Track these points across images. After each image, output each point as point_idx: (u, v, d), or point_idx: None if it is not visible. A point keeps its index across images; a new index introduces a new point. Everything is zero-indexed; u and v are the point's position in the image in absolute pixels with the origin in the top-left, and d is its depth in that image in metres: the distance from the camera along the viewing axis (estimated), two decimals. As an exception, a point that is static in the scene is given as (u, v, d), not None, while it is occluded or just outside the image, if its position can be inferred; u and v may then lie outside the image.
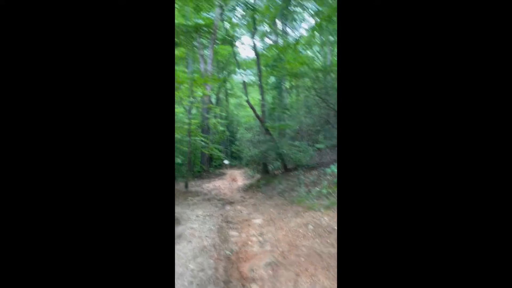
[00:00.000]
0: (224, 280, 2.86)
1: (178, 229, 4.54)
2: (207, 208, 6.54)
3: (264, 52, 14.92)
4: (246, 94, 10.75)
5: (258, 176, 10.96)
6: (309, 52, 16.29)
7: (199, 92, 12.48)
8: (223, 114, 21.35)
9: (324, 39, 16.30)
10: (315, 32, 15.51)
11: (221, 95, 23.10)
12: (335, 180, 6.09)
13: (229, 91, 24.35)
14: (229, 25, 14.61)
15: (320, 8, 11.83)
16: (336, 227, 3.89)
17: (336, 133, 7.24)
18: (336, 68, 8.03)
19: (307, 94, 15.14)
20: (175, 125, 10.73)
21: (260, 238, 4.08)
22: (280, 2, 13.96)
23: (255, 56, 11.29)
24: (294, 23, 17.95)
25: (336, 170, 6.51)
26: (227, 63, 21.97)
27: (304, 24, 20.65)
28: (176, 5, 11.72)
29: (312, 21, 17.56)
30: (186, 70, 15.77)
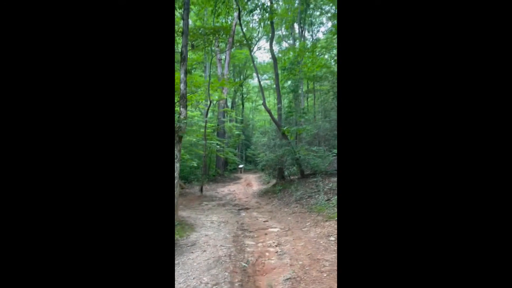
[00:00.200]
0: (240, 296, 2.66)
1: (192, 237, 4.38)
2: (222, 214, 6.37)
3: (281, 56, 14.76)
4: (263, 97, 10.56)
5: (273, 181, 10.72)
6: (326, 56, 15.96)
7: (215, 96, 12.45)
8: (239, 118, 21.30)
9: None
10: (333, 35, 15.20)
11: (237, 99, 23.08)
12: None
13: (245, 95, 24.32)
14: (245, 29, 14.57)
15: (339, 11, 11.54)
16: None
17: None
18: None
19: (324, 98, 14.85)
20: (191, 128, 10.72)
21: (278, 249, 3.85)
22: (298, 6, 13.81)
23: (271, 60, 11.13)
24: (312, 27, 17.70)
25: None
26: (244, 67, 21.98)
27: (322, 28, 20.42)
28: (193, 9, 11.78)
29: (330, 25, 17.31)
30: (203, 74, 15.86)
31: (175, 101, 7.75)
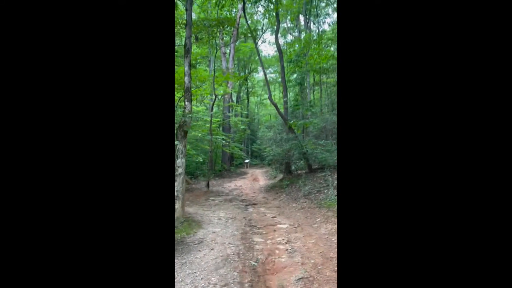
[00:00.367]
0: (251, 297, 2.53)
1: (199, 234, 4.27)
2: (229, 210, 6.26)
3: (286, 48, 14.45)
4: (269, 90, 10.35)
5: (280, 176, 10.58)
6: (332, 48, 15.60)
7: (220, 90, 12.29)
8: (244, 112, 21.12)
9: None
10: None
11: (242, 94, 22.86)
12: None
13: (250, 90, 24.08)
14: (250, 21, 14.31)
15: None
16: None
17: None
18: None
19: (332, 90, 14.53)
20: (197, 123, 10.60)
21: (288, 246, 3.71)
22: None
23: (276, 53, 10.90)
24: (317, 18, 17.30)
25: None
26: (248, 61, 21.71)
27: (328, 19, 20.00)
28: (196, 1, 11.56)
29: (336, 16, 16.87)
30: (207, 68, 15.67)
31: (180, 95, 7.62)
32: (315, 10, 16.19)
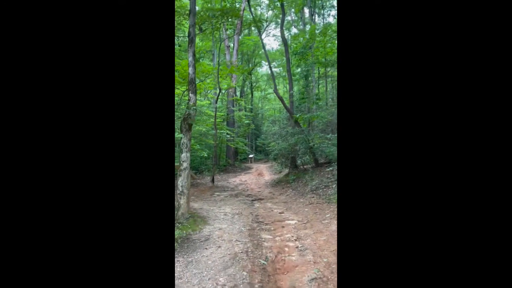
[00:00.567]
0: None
1: (205, 230, 4.13)
2: (235, 205, 6.11)
3: (291, 42, 14.14)
4: (274, 83, 10.12)
5: (285, 171, 10.40)
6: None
7: (224, 84, 12.08)
8: (248, 106, 20.90)
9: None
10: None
11: (246, 88, 22.61)
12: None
13: (254, 84, 23.81)
14: (254, 14, 14.01)
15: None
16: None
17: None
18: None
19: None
20: (201, 118, 10.43)
21: (298, 244, 3.56)
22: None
23: (280, 47, 10.65)
24: (322, 10, 16.91)
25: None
26: (252, 55, 21.41)
27: (333, 11, 19.56)
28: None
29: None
30: (211, 63, 15.45)
31: (184, 89, 7.44)
32: (319, 2, 15.82)
